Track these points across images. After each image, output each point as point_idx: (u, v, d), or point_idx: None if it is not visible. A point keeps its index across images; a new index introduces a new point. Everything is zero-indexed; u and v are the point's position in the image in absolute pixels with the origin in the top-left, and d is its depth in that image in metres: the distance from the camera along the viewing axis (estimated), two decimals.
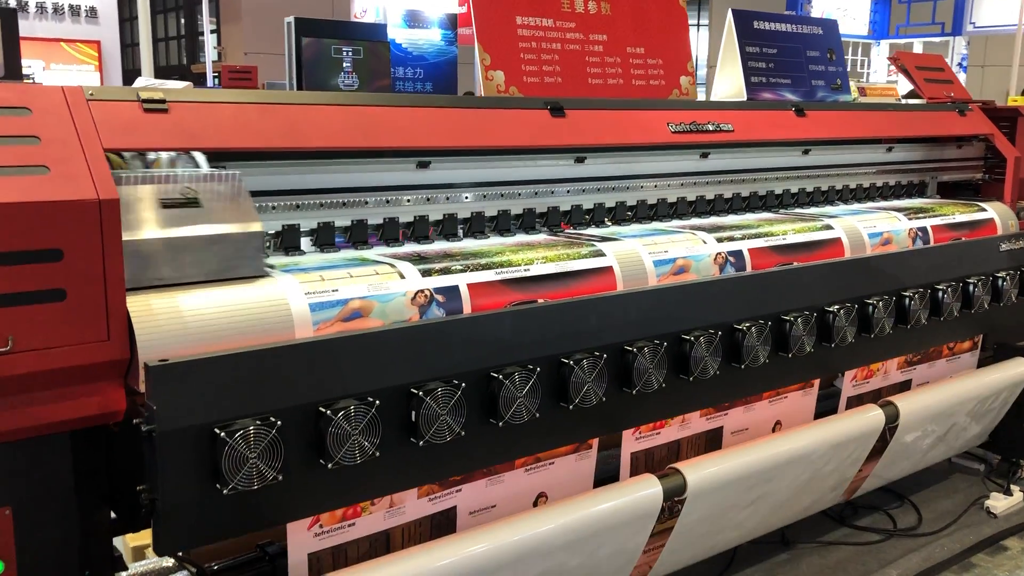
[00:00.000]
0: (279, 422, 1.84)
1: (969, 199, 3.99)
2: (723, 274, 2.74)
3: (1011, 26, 16.84)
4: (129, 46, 19.48)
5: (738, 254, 2.81)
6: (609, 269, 2.52)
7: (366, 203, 2.46)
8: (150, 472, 1.78)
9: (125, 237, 1.80)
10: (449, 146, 2.45)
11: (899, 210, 3.47)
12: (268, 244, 2.32)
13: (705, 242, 2.75)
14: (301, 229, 2.36)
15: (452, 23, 10.45)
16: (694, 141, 2.92)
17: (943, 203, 3.74)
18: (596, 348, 2.33)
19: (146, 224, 1.89)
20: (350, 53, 9.16)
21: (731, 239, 2.82)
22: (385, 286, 2.12)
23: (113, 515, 2.07)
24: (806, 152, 3.50)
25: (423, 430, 2.04)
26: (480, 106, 2.55)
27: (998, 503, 3.73)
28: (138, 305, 1.83)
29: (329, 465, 1.92)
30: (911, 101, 3.97)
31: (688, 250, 2.70)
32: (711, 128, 2.93)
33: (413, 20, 10.15)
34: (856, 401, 3.32)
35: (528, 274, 2.37)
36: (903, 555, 3.37)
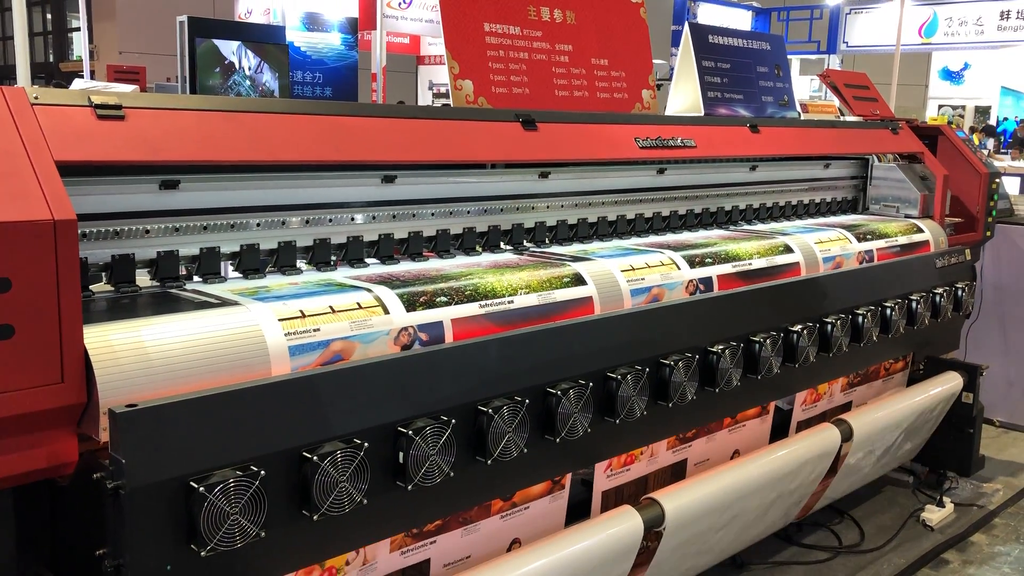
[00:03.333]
0: (262, 471, 1.63)
1: (893, 215, 4.06)
2: (696, 295, 2.66)
3: (880, 47, 17.73)
4: None
5: (707, 281, 2.74)
6: (589, 299, 2.40)
7: (330, 221, 2.26)
8: (115, 534, 1.54)
9: (919, 193, 3.62)
10: (420, 160, 2.28)
11: (845, 227, 3.48)
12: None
13: (679, 267, 2.66)
14: (260, 249, 2.14)
15: (352, 27, 10.16)
16: (660, 157, 2.84)
17: (882, 220, 3.78)
18: (580, 376, 2.21)
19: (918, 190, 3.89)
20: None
21: (702, 264, 2.74)
22: (368, 323, 1.93)
23: None
24: (754, 168, 3.48)
25: (412, 472, 1.86)
26: (451, 117, 2.38)
27: (933, 515, 3.79)
28: (97, 341, 1.59)
29: (315, 516, 1.72)
30: (850, 119, 4.02)
31: (663, 278, 2.60)
32: (676, 144, 2.85)
33: (312, 23, 9.82)
34: (805, 425, 3.30)
35: (512, 307, 2.21)
36: (852, 573, 3.37)
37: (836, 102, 4.46)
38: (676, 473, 2.80)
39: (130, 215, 1.92)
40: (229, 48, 8.54)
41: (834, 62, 19.49)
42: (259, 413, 1.66)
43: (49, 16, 23.36)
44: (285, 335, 1.79)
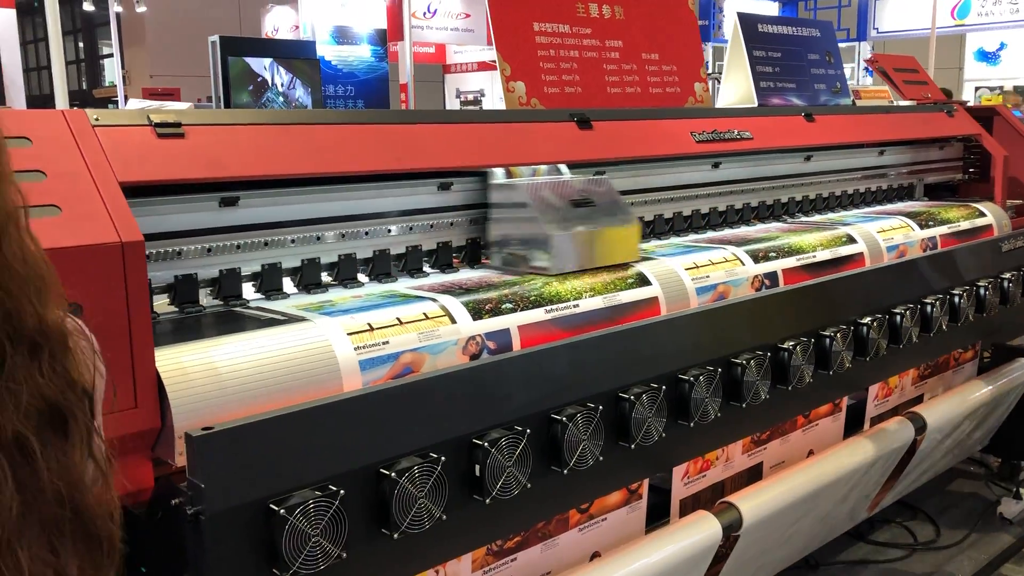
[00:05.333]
0: (341, 491, 1.59)
1: (952, 200, 3.95)
2: (763, 291, 2.59)
3: (912, 31, 17.43)
4: (29, 71, 18.58)
5: (773, 276, 2.66)
6: (654, 300, 2.34)
7: (389, 231, 2.22)
8: (197, 560, 1.50)
9: (554, 232, 2.16)
10: (480, 165, 2.23)
11: (905, 215, 3.38)
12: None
13: (743, 263, 2.59)
14: (321, 262, 2.11)
15: (381, 39, 10.18)
16: (716, 150, 2.77)
17: (943, 206, 3.67)
18: (652, 379, 2.14)
19: (566, 222, 2.22)
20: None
21: (766, 258, 2.67)
22: (436, 334, 1.88)
23: None
24: (808, 158, 3.39)
25: (489, 485, 1.81)
26: (506, 120, 2.33)
27: (1010, 508, 3.67)
28: (168, 364, 1.56)
29: (395, 535, 1.67)
30: (904, 103, 3.91)
31: (728, 274, 2.53)
32: (732, 136, 2.78)
33: (342, 36, 9.84)
34: (878, 420, 3.20)
35: (577, 311, 2.16)
36: (931, 571, 3.27)
37: (878, 84, 4.35)
38: (752, 477, 2.73)
39: (191, 233, 1.89)
40: (261, 65, 8.59)
41: (865, 49, 19.20)
42: (334, 430, 1.62)
43: (81, 44, 23.73)
44: (355, 349, 1.75)
